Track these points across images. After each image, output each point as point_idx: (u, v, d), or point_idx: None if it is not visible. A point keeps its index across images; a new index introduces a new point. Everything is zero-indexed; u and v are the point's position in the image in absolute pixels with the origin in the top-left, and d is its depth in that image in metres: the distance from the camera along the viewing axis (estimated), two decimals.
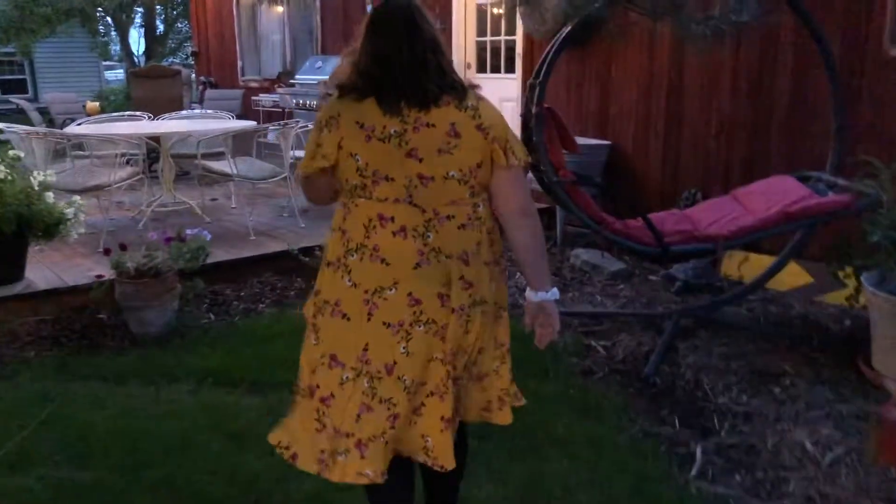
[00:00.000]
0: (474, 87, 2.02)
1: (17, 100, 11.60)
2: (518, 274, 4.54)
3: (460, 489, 2.35)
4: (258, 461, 2.92)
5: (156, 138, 6.40)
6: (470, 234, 1.98)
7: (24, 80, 20.40)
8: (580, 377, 3.66)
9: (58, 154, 6.16)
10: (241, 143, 6.38)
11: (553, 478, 2.81)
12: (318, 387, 2.05)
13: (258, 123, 7.20)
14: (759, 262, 4.80)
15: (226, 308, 4.62)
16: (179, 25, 21.31)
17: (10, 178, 4.19)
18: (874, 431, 2.91)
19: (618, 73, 6.17)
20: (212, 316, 4.49)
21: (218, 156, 6.19)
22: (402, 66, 1.92)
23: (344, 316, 1.98)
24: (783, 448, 3.00)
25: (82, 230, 4.49)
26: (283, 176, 6.01)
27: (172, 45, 22.14)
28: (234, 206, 6.71)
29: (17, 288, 4.36)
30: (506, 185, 2.00)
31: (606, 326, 4.26)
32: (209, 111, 8.19)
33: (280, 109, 9.66)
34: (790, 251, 4.27)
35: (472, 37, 7.84)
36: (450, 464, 2.01)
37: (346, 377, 1.99)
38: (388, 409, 1.98)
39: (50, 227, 4.24)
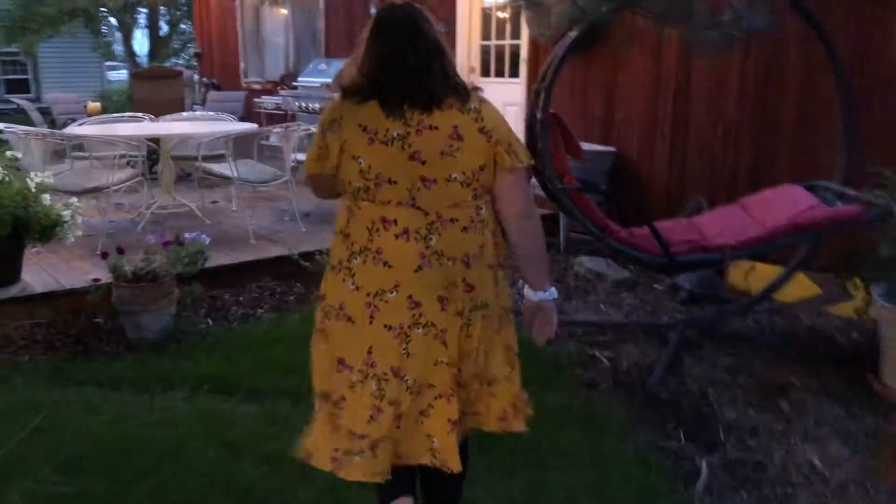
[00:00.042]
0: (477, 89, 2.02)
1: (18, 100, 11.55)
2: (519, 280, 4.47)
3: None
4: (254, 470, 2.88)
5: (156, 140, 6.35)
6: (472, 237, 1.99)
7: (27, 79, 20.39)
8: (584, 388, 3.59)
9: (57, 155, 6.11)
10: (242, 146, 6.32)
11: (555, 492, 2.74)
12: (331, 391, 2.08)
13: (260, 125, 7.15)
14: (765, 273, 4.72)
15: (224, 313, 4.55)
16: (183, 26, 21.27)
17: (6, 179, 4.13)
18: (885, 449, 2.84)
19: (623, 78, 6.12)
20: (210, 321, 4.43)
21: (219, 158, 6.13)
22: (405, 69, 1.93)
23: (349, 319, 2.00)
24: (790, 464, 2.93)
25: (79, 233, 4.43)
26: (284, 179, 5.95)
27: (176, 47, 22.11)
28: (234, 208, 6.65)
29: (13, 291, 4.30)
30: (508, 188, 2.01)
31: (611, 336, 4.20)
32: (211, 113, 8.14)
33: (282, 112, 9.61)
34: (798, 262, 4.21)
35: (477, 40, 7.79)
36: (456, 466, 2.04)
37: (355, 380, 2.01)
38: (395, 409, 2.00)
39: (47, 230, 4.17)
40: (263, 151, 6.71)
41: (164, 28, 21.08)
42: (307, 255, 5.00)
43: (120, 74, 23.59)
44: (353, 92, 1.98)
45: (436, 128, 1.91)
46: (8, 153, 4.40)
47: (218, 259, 4.94)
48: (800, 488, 2.79)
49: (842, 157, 4.09)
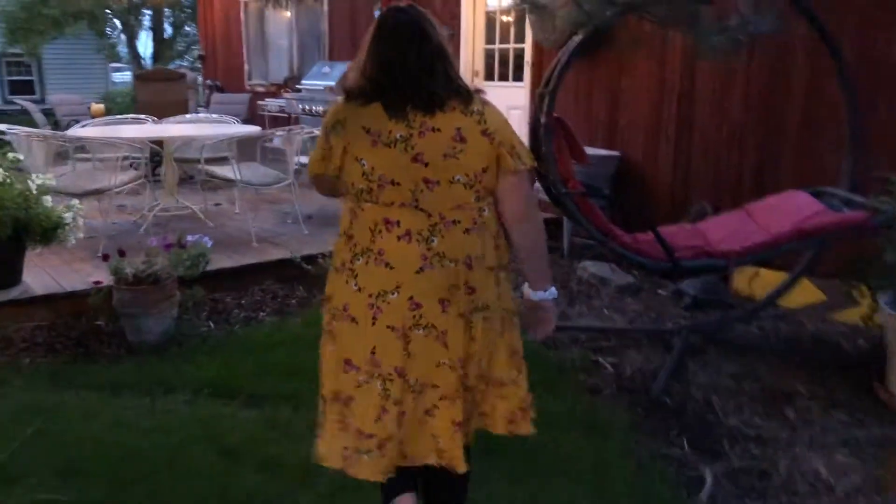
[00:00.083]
0: (479, 91, 2.03)
1: (21, 101, 11.55)
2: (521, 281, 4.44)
3: None
4: (253, 477, 2.85)
5: (159, 142, 6.34)
6: (475, 239, 1.99)
7: (32, 81, 20.41)
8: (587, 395, 3.56)
9: (60, 156, 6.10)
10: (245, 148, 6.31)
11: (558, 498, 2.71)
12: (339, 391, 2.09)
13: (263, 128, 7.13)
14: (769, 278, 4.70)
15: (226, 316, 4.53)
16: (187, 28, 21.29)
17: (8, 181, 4.11)
18: (892, 458, 2.81)
19: (628, 82, 6.09)
20: (211, 324, 4.41)
21: (222, 160, 6.11)
22: (408, 71, 1.93)
23: (353, 320, 2.02)
24: (796, 473, 2.90)
25: (81, 235, 4.41)
26: (287, 182, 5.93)
27: (180, 49, 22.13)
28: (237, 211, 6.63)
29: (14, 293, 4.28)
30: (511, 190, 2.02)
31: (614, 342, 4.17)
32: (214, 115, 8.13)
33: (286, 115, 9.60)
34: (803, 268, 4.18)
35: (481, 44, 7.77)
36: (461, 467, 2.05)
37: (362, 380, 2.03)
38: (399, 408, 2.02)
39: (47, 232, 4.16)
40: (266, 154, 6.70)
41: (169, 30, 21.10)
42: (309, 259, 4.99)
43: (124, 76, 23.61)
44: (356, 94, 1.98)
45: (438, 130, 1.92)
46: (10, 155, 4.37)
47: (220, 262, 4.92)
48: (805, 498, 2.76)
49: (847, 162, 4.06)
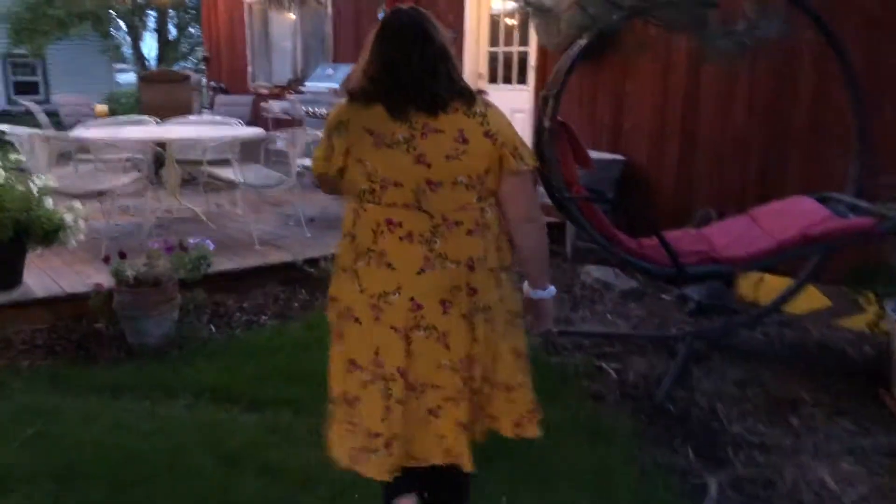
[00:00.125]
0: (482, 93, 2.05)
1: (25, 101, 11.55)
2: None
3: None
4: (253, 482, 2.83)
5: (162, 143, 6.32)
6: (477, 240, 2.00)
7: (37, 81, 20.41)
8: (590, 400, 3.53)
9: (63, 157, 6.09)
10: (248, 150, 6.30)
11: None
12: (346, 391, 2.12)
13: (267, 130, 7.11)
14: (774, 284, 4.66)
15: (227, 319, 4.51)
16: (192, 30, 21.28)
17: (9, 182, 4.09)
18: None
19: (632, 86, 6.07)
20: (212, 327, 4.38)
21: (224, 162, 6.09)
22: (410, 72, 1.94)
23: (357, 321, 2.04)
24: (801, 482, 2.87)
25: (82, 237, 4.38)
26: (289, 185, 5.91)
27: (184, 50, 22.12)
28: (239, 213, 6.60)
29: (14, 295, 4.26)
30: (514, 191, 2.03)
31: (618, 348, 4.14)
32: (218, 117, 8.11)
33: (289, 117, 9.58)
34: (808, 274, 4.14)
35: (485, 47, 7.75)
36: (468, 465, 2.06)
37: (366, 380, 2.05)
38: (403, 407, 2.03)
39: (49, 234, 4.13)
40: (270, 156, 6.69)
41: (173, 31, 21.08)
42: (312, 262, 4.97)
43: (129, 77, 23.60)
44: (359, 95, 1.99)
45: (441, 131, 1.92)
46: (11, 156, 4.35)
47: (222, 264, 4.90)
48: None
49: (854, 168, 4.03)
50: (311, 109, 8.87)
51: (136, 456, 2.95)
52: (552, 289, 2.20)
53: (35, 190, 4.15)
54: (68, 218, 4.22)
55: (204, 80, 13.11)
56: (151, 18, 19.85)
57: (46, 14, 16.32)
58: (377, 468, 2.07)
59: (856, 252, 3.92)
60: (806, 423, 3.29)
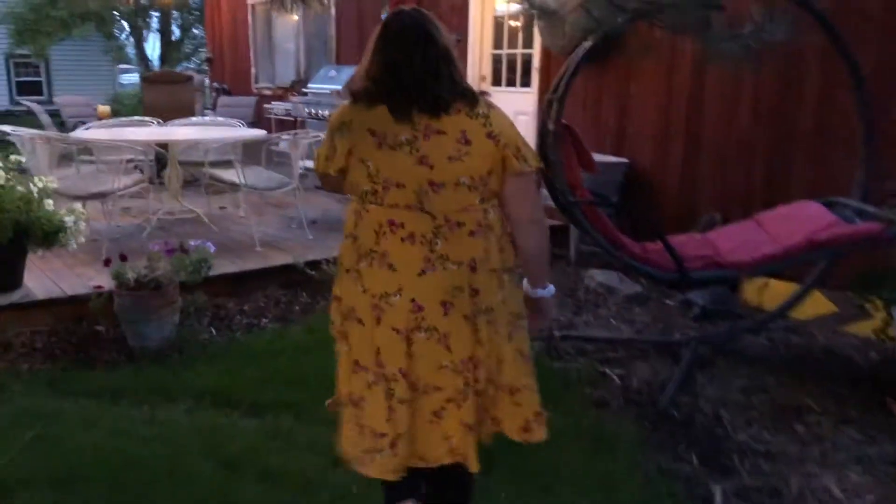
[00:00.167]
0: (484, 94, 2.05)
1: (27, 101, 11.55)
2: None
3: None
4: (253, 487, 2.81)
5: (164, 145, 6.30)
6: (479, 242, 2.00)
7: (40, 82, 20.44)
8: (593, 408, 3.49)
9: (64, 158, 6.07)
10: (251, 152, 6.27)
11: None
12: (352, 391, 2.13)
13: (269, 131, 7.09)
14: (779, 289, 4.62)
15: (227, 322, 4.48)
16: (195, 31, 21.31)
17: (9, 183, 4.07)
18: None
19: (637, 89, 6.03)
20: (213, 330, 4.35)
21: (226, 164, 6.07)
22: (413, 74, 1.94)
23: (359, 321, 2.05)
24: (807, 492, 2.83)
25: (82, 239, 4.35)
26: (291, 187, 5.89)
27: (188, 51, 22.16)
28: (242, 215, 6.58)
29: (14, 297, 4.24)
30: (517, 192, 2.03)
31: (621, 353, 4.10)
32: (220, 118, 8.09)
33: (292, 118, 9.56)
34: (814, 280, 4.10)
35: (489, 49, 7.72)
36: (474, 466, 2.07)
37: (371, 381, 2.06)
38: (407, 407, 2.04)
39: (49, 236, 4.10)
40: (272, 157, 6.66)
41: (177, 32, 21.13)
42: (313, 264, 4.94)
43: (133, 78, 23.63)
44: (362, 96, 2.00)
45: (444, 132, 1.93)
46: (12, 157, 4.33)
47: (223, 267, 4.88)
48: None
49: (861, 173, 3.99)
50: (313, 111, 8.85)
51: (136, 461, 2.93)
52: (552, 287, 2.21)
53: (35, 191, 4.12)
54: (68, 220, 4.19)
55: (207, 81, 13.10)
56: (155, 19, 19.87)
57: (49, 15, 16.35)
58: (382, 468, 2.07)
59: (863, 257, 3.87)
60: (812, 431, 3.25)
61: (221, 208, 6.84)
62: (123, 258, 4.08)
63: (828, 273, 4.07)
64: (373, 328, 2.02)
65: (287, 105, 9.89)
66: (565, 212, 3.70)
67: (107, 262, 4.12)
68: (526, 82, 7.26)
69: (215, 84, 12.59)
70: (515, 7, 7.18)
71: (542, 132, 3.68)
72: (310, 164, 5.51)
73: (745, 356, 4.05)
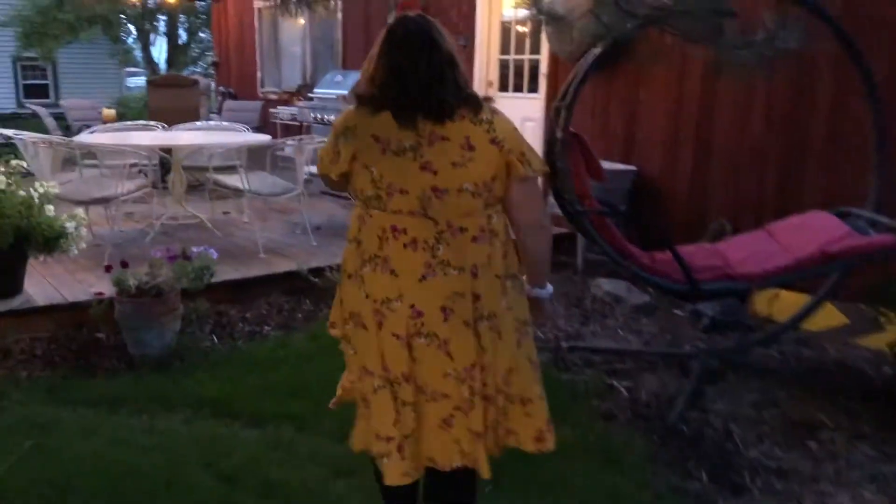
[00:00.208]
0: (488, 99, 2.03)
1: (32, 105, 11.55)
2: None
3: None
4: (252, 501, 2.75)
5: (168, 149, 6.25)
6: (482, 247, 1.99)
7: (47, 84, 20.46)
8: (601, 422, 3.41)
9: (68, 162, 6.03)
10: (255, 157, 6.22)
11: None
12: (362, 394, 2.14)
13: (275, 136, 7.04)
14: (790, 300, 4.55)
15: (229, 330, 4.42)
16: (202, 35, 21.31)
17: (9, 188, 4.02)
18: None
19: (646, 95, 5.97)
20: (214, 338, 4.29)
21: (231, 169, 6.03)
22: (418, 79, 1.93)
23: (363, 326, 2.05)
24: None
25: (84, 245, 4.30)
26: (296, 192, 5.83)
27: (194, 55, 22.16)
28: (245, 220, 6.53)
29: (15, 303, 4.19)
30: (522, 197, 2.02)
31: (629, 365, 4.03)
32: (225, 123, 8.05)
33: (298, 123, 9.52)
34: (826, 291, 4.03)
35: (496, 54, 7.66)
36: (485, 472, 2.06)
37: (377, 385, 2.05)
38: (413, 409, 2.04)
39: (50, 241, 4.05)
40: (277, 162, 6.61)
41: (183, 36, 21.13)
42: (317, 271, 4.88)
43: (140, 81, 23.64)
44: (366, 102, 2.00)
45: (448, 138, 1.92)
46: (13, 161, 4.28)
47: (226, 273, 4.82)
48: None
49: (873, 181, 3.92)
50: (319, 116, 8.80)
51: (135, 471, 2.88)
52: (550, 288, 2.21)
53: (36, 197, 4.07)
54: (70, 225, 4.14)
55: (213, 85, 13.08)
56: (162, 23, 19.88)
57: (56, 18, 16.37)
58: (390, 472, 2.06)
59: (876, 268, 3.80)
60: (825, 448, 3.18)
61: (225, 213, 6.80)
62: (125, 264, 4.03)
63: (840, 284, 4.00)
64: (376, 333, 2.02)
65: (293, 110, 9.85)
66: (573, 221, 3.64)
67: (108, 269, 4.07)
68: (533, 88, 7.20)
69: (221, 88, 12.56)
70: (523, 12, 7.13)
71: (550, 140, 3.62)
72: (314, 169, 5.46)
73: (755, 369, 3.98)
